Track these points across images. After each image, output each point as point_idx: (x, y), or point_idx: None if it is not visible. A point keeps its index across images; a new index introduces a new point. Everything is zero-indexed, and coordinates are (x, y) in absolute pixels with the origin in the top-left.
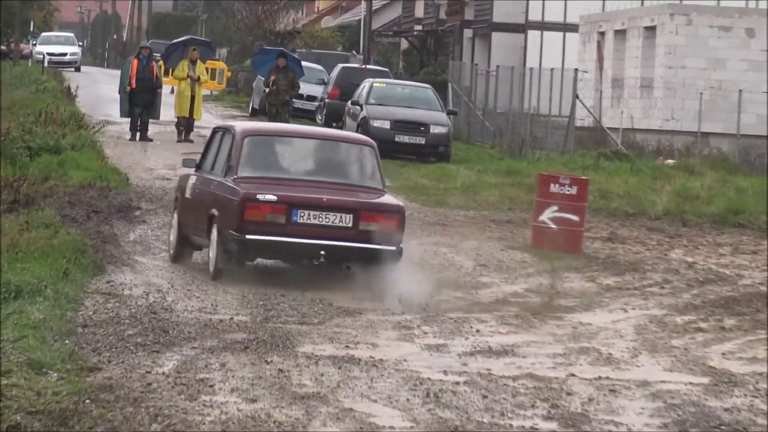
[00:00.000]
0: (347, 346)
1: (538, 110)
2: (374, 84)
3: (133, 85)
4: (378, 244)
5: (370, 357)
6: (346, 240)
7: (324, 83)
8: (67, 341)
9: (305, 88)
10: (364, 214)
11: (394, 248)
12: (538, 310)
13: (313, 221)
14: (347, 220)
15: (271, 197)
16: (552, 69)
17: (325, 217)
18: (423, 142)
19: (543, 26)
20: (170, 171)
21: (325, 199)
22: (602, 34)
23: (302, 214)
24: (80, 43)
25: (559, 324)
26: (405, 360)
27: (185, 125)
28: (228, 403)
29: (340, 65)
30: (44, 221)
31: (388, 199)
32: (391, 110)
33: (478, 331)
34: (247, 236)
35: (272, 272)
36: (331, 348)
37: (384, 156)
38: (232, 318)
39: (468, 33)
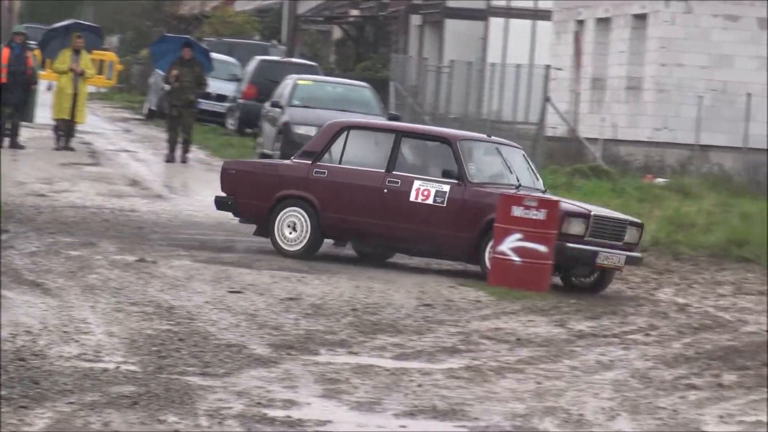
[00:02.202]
0: (259, 403)
1: (500, 116)
2: (299, 82)
3: (3, 80)
4: None
5: (287, 417)
6: None
7: (237, 80)
8: None
9: (214, 86)
10: None
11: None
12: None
13: None
14: None
15: None
16: (518, 65)
17: None
18: None
19: (508, 12)
20: (46, 185)
21: None
22: (581, 23)
23: None
24: None
25: (520, 378)
26: (330, 421)
27: (65, 130)
28: None
29: (258, 58)
30: None
31: None
32: (319, 114)
33: (420, 385)
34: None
35: (170, 308)
36: (239, 405)
37: None
38: (118, 367)
39: (416, 20)
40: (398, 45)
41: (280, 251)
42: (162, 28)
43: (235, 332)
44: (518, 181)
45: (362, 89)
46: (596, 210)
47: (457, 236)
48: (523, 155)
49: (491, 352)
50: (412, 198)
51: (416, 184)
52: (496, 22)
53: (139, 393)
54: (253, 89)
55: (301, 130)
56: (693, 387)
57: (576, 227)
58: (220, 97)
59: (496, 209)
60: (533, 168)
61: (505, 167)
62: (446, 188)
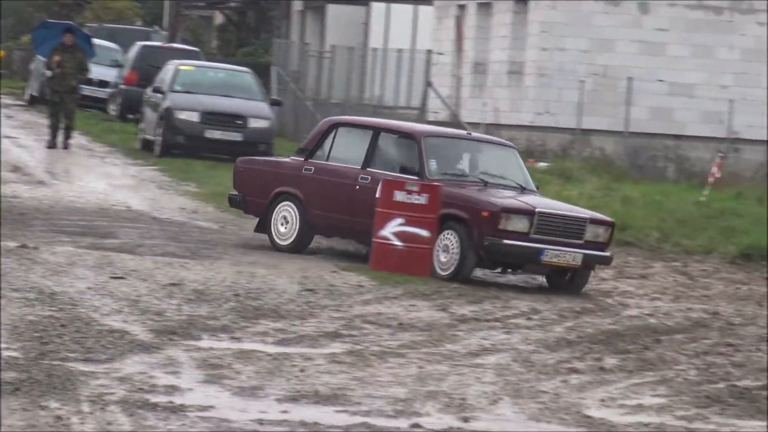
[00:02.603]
0: (141, 389)
1: (382, 101)
2: (180, 67)
3: None
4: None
5: (169, 402)
6: None
7: (119, 65)
8: None
9: (96, 72)
10: None
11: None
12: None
13: None
14: None
15: None
16: (400, 50)
17: None
18: (240, 138)
19: None
20: None
21: None
22: (462, 7)
23: None
24: None
25: (402, 362)
26: (212, 406)
27: None
28: None
29: (139, 44)
30: None
31: None
32: (200, 99)
33: (302, 370)
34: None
35: (52, 294)
36: (121, 391)
37: (192, 155)
38: None
39: (297, 5)
40: (280, 30)
41: (274, 246)
42: (43, 13)
43: (117, 318)
44: (497, 178)
45: (244, 74)
46: (544, 207)
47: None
48: (515, 155)
49: (373, 337)
50: (378, 194)
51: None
52: (377, 7)
53: (21, 379)
54: (134, 75)
55: (182, 115)
56: (575, 371)
57: (517, 224)
58: (102, 83)
59: (380, 195)
60: (523, 167)
61: (476, 164)
62: None
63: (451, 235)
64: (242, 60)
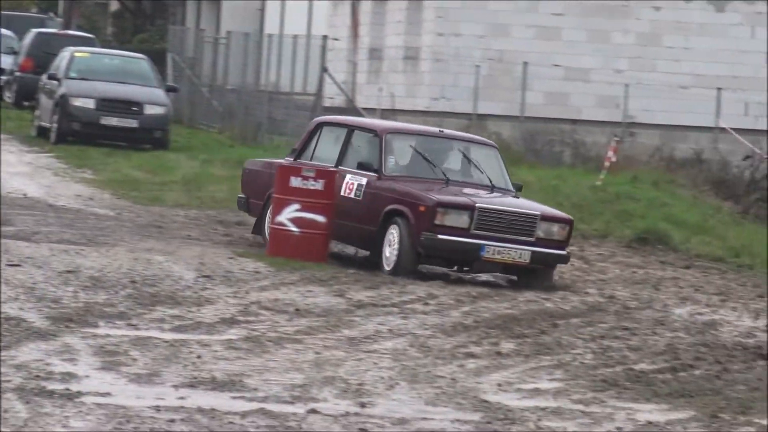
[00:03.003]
0: (38, 376)
1: (278, 87)
2: (76, 54)
3: None
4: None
5: (66, 389)
6: None
7: (14, 53)
8: None
9: None
10: None
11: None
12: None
13: None
14: None
15: None
16: (296, 36)
17: None
18: (135, 125)
19: None
20: None
21: None
22: None
23: None
24: None
25: (299, 348)
26: (109, 393)
27: None
28: None
29: (35, 30)
30: None
31: None
32: (96, 86)
33: (199, 357)
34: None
35: None
36: (18, 378)
37: (87, 142)
38: None
39: None
40: (176, 17)
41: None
42: None
43: (13, 305)
44: (467, 176)
45: (139, 61)
46: (487, 203)
47: (364, 229)
48: (494, 154)
49: (270, 323)
50: (343, 192)
51: (347, 178)
52: None
53: None
54: (30, 62)
55: (78, 102)
56: (472, 355)
57: (456, 219)
58: None
59: (276, 181)
60: (501, 166)
61: (445, 162)
62: (364, 181)
63: (395, 230)
64: (138, 47)
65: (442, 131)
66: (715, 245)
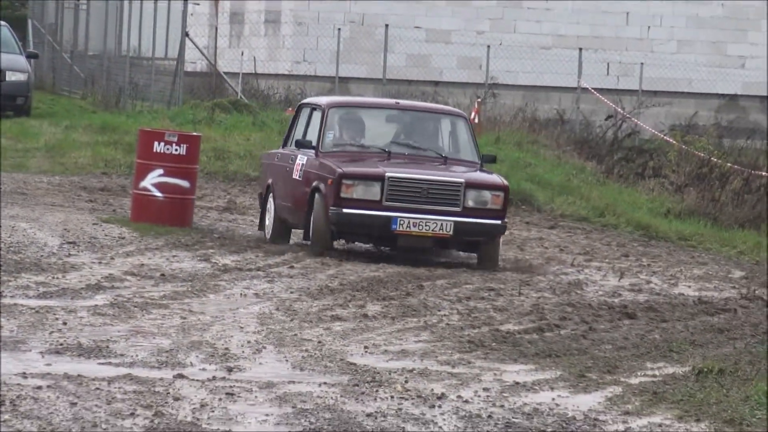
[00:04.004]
0: None
1: (139, 52)
2: None
3: None
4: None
5: None
6: None
7: None
8: None
9: None
10: None
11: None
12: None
13: None
14: None
15: None
16: (156, 1)
17: None
18: None
19: None
20: None
21: None
22: None
23: None
24: None
25: (165, 313)
26: None
27: None
28: None
29: None
30: None
31: None
32: None
33: (65, 323)
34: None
35: None
36: None
37: None
38: None
39: None
40: None
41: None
42: None
43: None
44: (419, 150)
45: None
46: (397, 172)
47: (298, 209)
48: (459, 124)
49: (135, 288)
50: (294, 175)
51: (298, 159)
52: None
53: None
54: None
55: None
56: (338, 318)
57: (364, 191)
58: None
59: (138, 146)
60: (465, 137)
61: (399, 135)
62: (305, 161)
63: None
64: None
65: (398, 103)
66: (579, 205)
